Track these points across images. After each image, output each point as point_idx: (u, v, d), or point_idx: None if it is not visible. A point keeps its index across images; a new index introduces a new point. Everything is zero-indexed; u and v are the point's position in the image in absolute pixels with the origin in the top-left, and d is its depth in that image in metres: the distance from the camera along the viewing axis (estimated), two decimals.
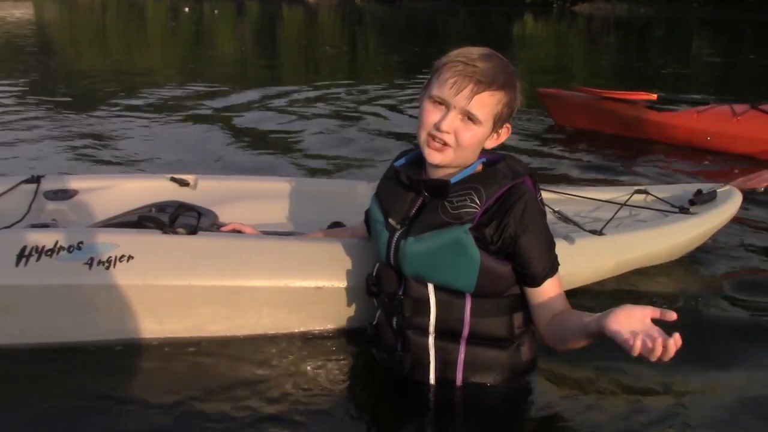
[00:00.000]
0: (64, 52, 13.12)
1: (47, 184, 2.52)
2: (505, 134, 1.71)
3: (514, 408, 1.79)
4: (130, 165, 4.24)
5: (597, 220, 2.55)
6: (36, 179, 2.53)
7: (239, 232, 2.15)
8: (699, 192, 2.73)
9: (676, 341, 1.30)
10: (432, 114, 1.62)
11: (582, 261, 2.26)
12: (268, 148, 4.94)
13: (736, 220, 2.88)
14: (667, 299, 2.46)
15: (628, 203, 2.60)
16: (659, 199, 2.72)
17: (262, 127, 5.67)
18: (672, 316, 1.35)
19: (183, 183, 2.61)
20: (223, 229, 2.17)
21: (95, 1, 38.62)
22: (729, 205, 2.68)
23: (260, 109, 6.55)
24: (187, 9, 32.52)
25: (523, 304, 1.73)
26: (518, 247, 1.62)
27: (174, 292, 1.93)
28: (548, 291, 1.67)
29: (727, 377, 2.00)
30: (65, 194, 2.50)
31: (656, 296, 2.48)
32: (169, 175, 2.64)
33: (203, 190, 2.61)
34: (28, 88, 7.45)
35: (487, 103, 1.59)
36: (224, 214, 2.39)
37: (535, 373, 1.82)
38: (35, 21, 22.57)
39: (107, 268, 1.88)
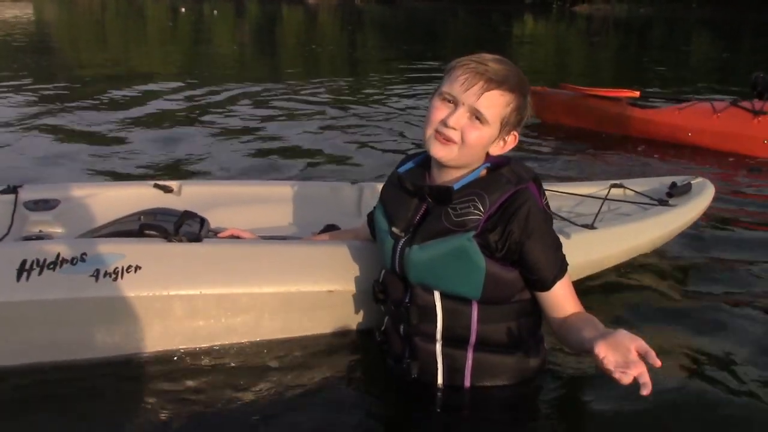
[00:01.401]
0: (55, 52, 12.91)
1: (26, 195, 2.40)
2: (512, 142, 1.67)
3: (522, 413, 1.76)
4: (110, 171, 4.10)
5: (581, 215, 2.56)
6: (13, 189, 2.41)
7: (237, 238, 2.11)
8: (674, 184, 2.81)
9: (644, 386, 1.29)
10: (440, 111, 1.61)
11: (578, 255, 2.23)
12: (253, 151, 4.83)
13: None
14: (654, 288, 2.61)
15: (608, 197, 2.65)
16: (637, 192, 2.78)
17: (248, 131, 5.54)
18: (657, 363, 1.32)
19: (167, 189, 2.54)
20: (220, 235, 2.12)
21: (94, 0, 38.60)
22: (704, 195, 2.77)
23: (247, 112, 6.40)
24: (183, 9, 32.58)
25: (530, 309, 1.70)
26: (524, 254, 1.59)
27: (185, 302, 1.87)
28: (558, 294, 1.64)
29: (733, 372, 2.00)
30: (47, 204, 2.38)
31: (645, 287, 2.61)
32: (153, 182, 2.57)
33: (187, 196, 2.55)
34: (10, 91, 7.24)
35: (496, 103, 1.57)
36: (211, 220, 2.33)
37: (543, 377, 1.80)
38: (34, 21, 22.52)
39: (114, 279, 1.81)
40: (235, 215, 2.43)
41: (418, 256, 1.65)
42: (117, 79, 8.36)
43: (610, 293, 2.51)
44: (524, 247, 1.58)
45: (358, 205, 2.64)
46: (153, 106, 6.55)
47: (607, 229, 2.40)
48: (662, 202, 2.66)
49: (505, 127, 1.62)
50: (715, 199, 2.86)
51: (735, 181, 4.27)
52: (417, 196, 1.69)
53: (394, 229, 1.72)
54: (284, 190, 2.68)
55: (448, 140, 1.60)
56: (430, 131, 1.63)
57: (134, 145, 4.88)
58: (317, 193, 2.67)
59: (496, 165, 1.67)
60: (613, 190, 2.73)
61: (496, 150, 1.66)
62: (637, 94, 5.32)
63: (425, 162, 1.72)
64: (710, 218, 3.22)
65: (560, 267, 1.64)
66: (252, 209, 2.53)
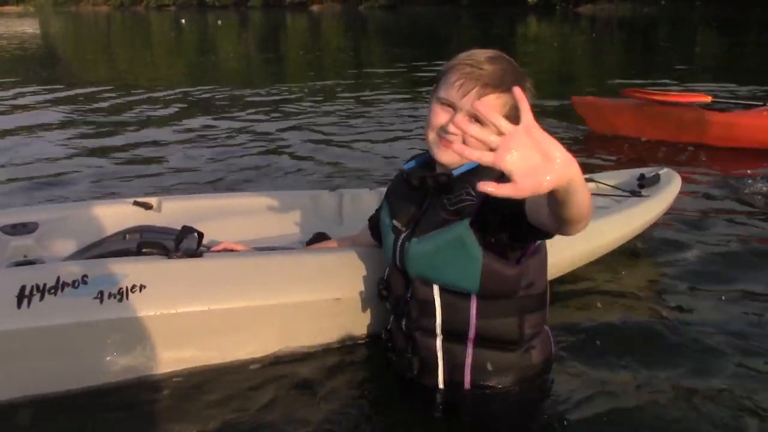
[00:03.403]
0: (51, 67, 12.89)
1: (0, 219, 2.33)
2: None
3: (525, 413, 1.74)
4: (83, 190, 4.01)
5: None
6: None
7: (231, 251, 2.09)
8: (643, 176, 2.90)
9: None
10: (439, 116, 1.62)
11: (567, 248, 2.25)
12: (240, 162, 4.73)
13: None
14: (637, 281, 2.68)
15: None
16: (609, 185, 2.84)
17: (236, 140, 5.49)
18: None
19: (147, 206, 2.48)
20: (213, 249, 2.08)
21: (99, 14, 38.88)
22: (673, 185, 2.88)
23: (239, 122, 6.30)
24: (183, 20, 32.92)
25: (535, 305, 1.68)
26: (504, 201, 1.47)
27: (193, 319, 1.84)
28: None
29: (733, 372, 1.98)
30: (25, 228, 2.30)
31: (628, 277, 2.69)
32: (132, 199, 2.53)
33: (168, 212, 2.50)
34: None
35: (493, 106, 1.57)
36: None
37: (548, 377, 1.77)
38: (40, 35, 22.66)
39: (120, 300, 1.77)
40: (217, 229, 2.40)
41: (416, 248, 1.66)
42: (103, 92, 8.34)
43: (596, 285, 2.56)
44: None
45: (339, 212, 2.64)
46: (137, 118, 6.52)
47: (590, 221, 2.42)
48: (635, 194, 2.76)
49: None
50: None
51: (694, 169, 4.40)
52: (421, 191, 1.70)
53: (395, 222, 1.75)
54: (264, 200, 2.67)
55: (451, 146, 1.60)
56: (432, 136, 1.64)
57: (106, 161, 4.81)
58: (297, 202, 2.66)
59: None
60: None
61: None
62: (708, 98, 5.11)
63: (429, 162, 1.73)
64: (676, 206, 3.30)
65: None
66: (234, 222, 2.51)
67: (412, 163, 1.83)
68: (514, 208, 1.43)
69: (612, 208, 2.66)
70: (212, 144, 5.32)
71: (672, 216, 3.19)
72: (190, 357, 1.90)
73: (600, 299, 2.44)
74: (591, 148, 5.04)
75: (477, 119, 1.58)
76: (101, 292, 1.76)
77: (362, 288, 1.96)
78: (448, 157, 1.63)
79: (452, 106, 1.60)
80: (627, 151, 4.95)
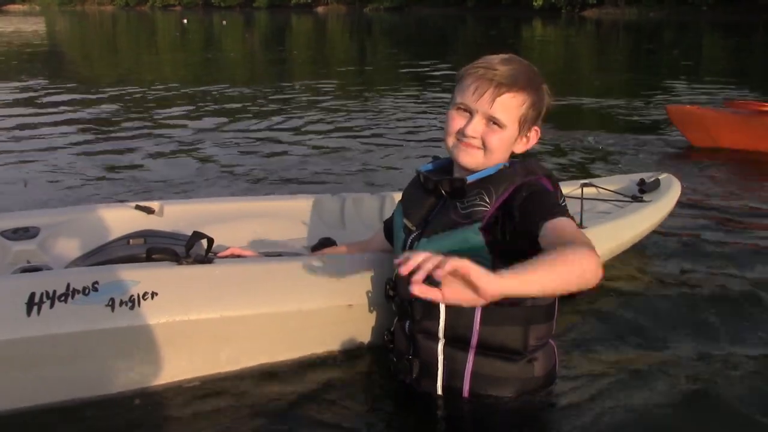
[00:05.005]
0: (49, 68, 12.83)
1: (1, 224, 2.30)
2: (534, 138, 1.69)
3: (523, 427, 1.70)
4: (86, 194, 3.95)
5: None
6: None
7: (238, 257, 2.06)
8: (643, 181, 2.91)
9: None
10: (457, 121, 1.64)
11: None
12: (238, 166, 4.69)
13: None
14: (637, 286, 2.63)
15: (585, 197, 2.66)
16: (609, 190, 2.85)
17: (233, 143, 5.45)
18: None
19: (149, 211, 2.46)
20: (220, 254, 2.05)
21: (104, 14, 39.01)
22: (673, 190, 2.89)
23: (237, 125, 6.27)
24: (185, 20, 33.17)
25: (541, 317, 1.66)
26: (521, 219, 1.50)
27: (206, 326, 1.81)
28: (550, 230, 1.43)
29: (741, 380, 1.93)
30: (27, 233, 2.27)
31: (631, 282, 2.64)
32: (134, 203, 2.49)
33: (170, 216, 2.48)
34: None
35: (509, 106, 1.59)
36: None
37: (549, 391, 1.73)
38: (46, 34, 22.70)
39: (131, 308, 1.73)
40: (219, 233, 2.34)
41: (424, 248, 1.64)
42: (105, 93, 8.31)
43: (599, 295, 2.51)
44: (521, 207, 1.50)
45: (341, 215, 2.63)
46: (139, 120, 6.47)
47: (595, 227, 2.45)
48: (636, 199, 2.77)
49: (525, 125, 1.64)
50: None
51: (692, 175, 4.37)
52: (435, 193, 1.71)
53: (405, 221, 1.76)
54: (266, 204, 2.65)
55: (472, 148, 1.63)
56: (451, 141, 1.66)
57: (107, 163, 4.75)
58: (299, 206, 2.64)
59: (512, 164, 1.68)
60: (586, 189, 2.76)
61: (521, 148, 1.67)
62: None
63: (448, 166, 1.75)
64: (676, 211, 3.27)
65: (552, 210, 1.48)
66: (236, 226, 2.48)
67: (429, 166, 1.83)
68: (531, 228, 1.46)
69: (614, 213, 2.65)
70: (213, 147, 5.30)
71: (672, 219, 3.14)
72: (201, 365, 1.87)
73: (604, 311, 2.39)
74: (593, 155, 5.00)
75: (493, 121, 1.59)
76: (112, 300, 1.72)
77: (375, 295, 1.94)
78: (469, 158, 1.64)
79: (468, 110, 1.61)
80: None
